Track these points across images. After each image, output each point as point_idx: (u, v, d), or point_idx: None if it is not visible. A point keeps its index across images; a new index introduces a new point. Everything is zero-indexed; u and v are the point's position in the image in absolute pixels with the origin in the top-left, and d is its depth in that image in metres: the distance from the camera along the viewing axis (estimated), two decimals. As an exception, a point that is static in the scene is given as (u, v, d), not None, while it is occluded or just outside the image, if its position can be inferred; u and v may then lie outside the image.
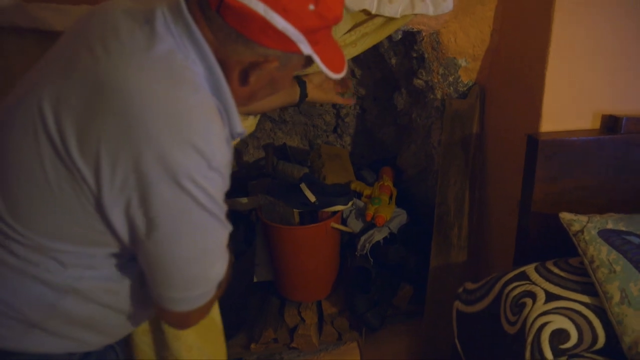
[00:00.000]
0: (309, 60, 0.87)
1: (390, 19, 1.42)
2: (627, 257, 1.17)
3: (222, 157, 0.78)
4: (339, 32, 1.39)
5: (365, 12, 1.39)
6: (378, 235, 1.96)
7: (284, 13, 0.76)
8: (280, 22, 0.77)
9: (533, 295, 1.20)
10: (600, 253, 1.19)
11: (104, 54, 0.76)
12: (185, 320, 0.90)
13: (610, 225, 1.24)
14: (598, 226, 1.24)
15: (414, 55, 1.77)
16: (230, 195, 1.80)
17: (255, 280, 2.10)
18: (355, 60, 2.14)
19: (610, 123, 1.42)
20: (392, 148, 2.47)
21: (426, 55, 1.71)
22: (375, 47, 1.85)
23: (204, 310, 0.90)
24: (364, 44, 1.45)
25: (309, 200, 1.87)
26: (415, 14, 1.45)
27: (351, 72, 2.25)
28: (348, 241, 2.11)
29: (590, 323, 1.14)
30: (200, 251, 0.82)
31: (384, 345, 1.91)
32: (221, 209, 0.82)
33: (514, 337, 1.20)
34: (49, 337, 0.87)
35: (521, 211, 1.49)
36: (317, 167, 2.30)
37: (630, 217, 1.28)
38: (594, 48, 1.38)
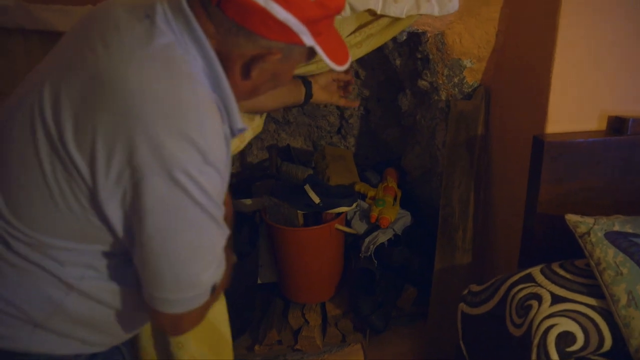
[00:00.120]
0: (312, 53, 0.85)
1: (395, 20, 1.42)
2: (634, 260, 1.16)
3: (219, 152, 0.77)
4: (343, 33, 1.39)
5: (371, 12, 1.38)
6: (382, 237, 1.96)
7: (285, 3, 0.75)
8: (281, 13, 0.76)
9: (539, 298, 1.19)
10: (607, 255, 1.18)
11: (104, 49, 0.76)
12: (177, 324, 0.86)
13: (617, 227, 1.23)
14: (605, 228, 1.23)
15: (419, 56, 1.76)
16: (234, 196, 1.80)
17: (259, 281, 2.09)
18: (360, 61, 2.14)
19: (617, 124, 1.41)
20: (396, 149, 2.47)
21: (431, 56, 1.70)
22: (380, 48, 1.85)
23: (198, 315, 0.87)
24: (369, 45, 1.45)
25: (313, 202, 1.87)
26: (421, 15, 1.44)
27: (355, 74, 2.25)
28: (352, 243, 2.11)
29: (596, 326, 1.14)
30: (193, 251, 0.80)
31: (388, 347, 1.90)
32: (218, 208, 0.80)
33: (519, 340, 1.19)
34: (53, 337, 0.86)
35: (526, 213, 1.48)
36: (321, 168, 2.30)
37: (637, 219, 1.27)
38: (600, 49, 1.37)
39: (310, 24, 0.79)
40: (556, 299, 1.18)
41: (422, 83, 1.83)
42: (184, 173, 0.72)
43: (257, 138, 2.52)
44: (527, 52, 1.50)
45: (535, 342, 1.13)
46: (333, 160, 2.31)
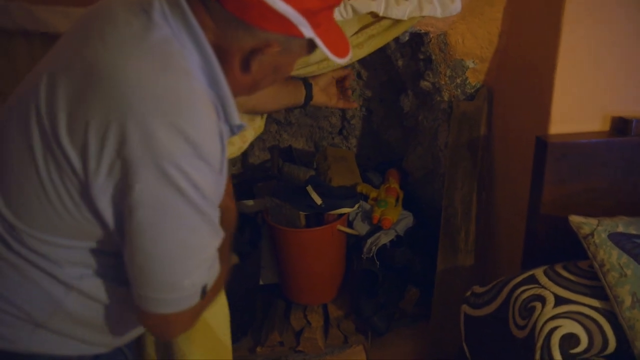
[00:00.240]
0: (312, 45, 0.84)
1: (397, 21, 1.42)
2: (638, 261, 1.16)
3: (212, 148, 0.76)
4: (347, 33, 1.38)
5: (373, 14, 1.38)
6: (384, 238, 1.95)
7: None
8: (279, 5, 0.75)
9: (542, 299, 1.19)
10: (611, 257, 1.18)
11: (101, 44, 0.75)
12: (165, 326, 0.83)
13: (620, 229, 1.22)
14: (608, 229, 1.22)
15: (421, 57, 1.76)
16: (236, 197, 1.81)
17: (261, 282, 2.09)
18: (362, 62, 2.14)
19: (620, 125, 1.41)
20: (398, 150, 2.46)
21: (433, 57, 1.70)
22: (382, 49, 1.85)
23: (188, 318, 0.84)
24: (370, 46, 1.45)
25: (315, 203, 1.87)
26: (423, 16, 1.44)
27: (357, 74, 2.25)
28: (354, 244, 2.10)
29: (600, 327, 1.13)
30: (182, 250, 0.77)
31: (390, 348, 1.90)
32: (211, 207, 0.78)
33: (523, 342, 1.19)
34: (54, 337, 0.86)
35: (529, 214, 1.48)
36: (323, 169, 2.30)
37: (641, 221, 1.26)
38: (603, 49, 1.36)
39: (309, 15, 0.78)
40: (560, 301, 1.17)
41: (425, 84, 1.83)
42: (175, 166, 0.71)
43: (258, 139, 2.51)
44: (530, 52, 1.50)
45: (539, 344, 1.12)
46: (335, 161, 2.30)
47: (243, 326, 1.97)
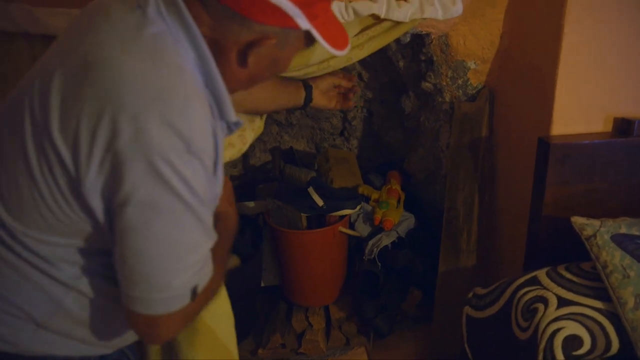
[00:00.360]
0: (309, 37, 0.84)
1: (399, 23, 1.41)
2: (641, 262, 1.16)
3: (204, 143, 0.75)
4: (348, 35, 1.38)
5: (374, 16, 1.38)
6: (386, 240, 1.95)
7: None
8: None
9: (545, 301, 1.19)
10: (614, 258, 1.17)
11: (95, 39, 0.76)
12: (153, 328, 0.80)
13: (623, 230, 1.22)
14: (611, 231, 1.22)
15: (423, 58, 1.76)
16: (238, 199, 1.80)
17: (262, 284, 2.09)
18: (363, 63, 2.14)
19: (623, 126, 1.40)
20: (400, 151, 2.46)
21: (435, 58, 1.70)
22: (383, 50, 1.84)
23: (177, 321, 0.81)
24: (371, 47, 1.45)
25: (317, 205, 1.87)
26: (424, 18, 1.44)
27: (358, 75, 2.25)
28: (356, 245, 2.10)
29: (603, 329, 1.13)
30: (171, 249, 0.75)
31: (392, 350, 1.90)
32: (203, 206, 0.76)
33: (525, 343, 1.18)
34: (57, 338, 0.86)
35: (532, 215, 1.47)
36: (324, 170, 2.29)
37: (644, 222, 1.26)
38: (606, 50, 1.36)
39: (305, 7, 0.78)
40: (562, 302, 1.17)
41: (426, 85, 1.83)
42: (165, 161, 0.70)
43: (259, 140, 2.51)
44: (532, 53, 1.50)
45: (542, 345, 1.12)
46: (336, 163, 2.30)
47: (244, 328, 1.96)
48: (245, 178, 2.56)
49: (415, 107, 2.09)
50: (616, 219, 1.26)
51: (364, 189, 2.14)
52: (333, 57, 1.40)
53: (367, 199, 2.12)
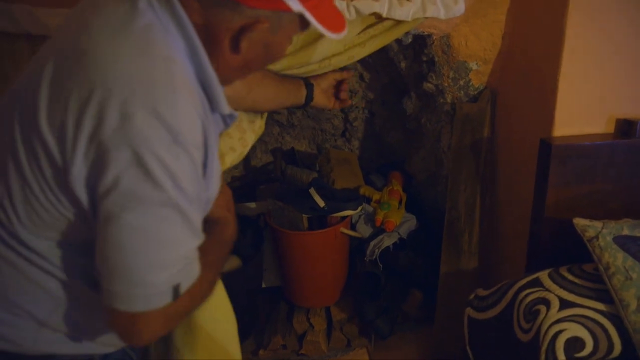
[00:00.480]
0: (303, 21, 0.82)
1: (400, 21, 1.41)
2: (643, 264, 1.15)
3: (191, 135, 0.73)
4: (350, 34, 1.38)
5: (376, 15, 1.38)
6: (387, 241, 1.95)
7: None
8: None
9: (547, 302, 1.18)
10: (616, 260, 1.17)
11: (85, 31, 0.76)
12: (133, 326, 0.76)
13: (626, 232, 1.22)
14: (613, 232, 1.22)
15: (424, 59, 1.76)
16: (238, 199, 1.79)
17: (263, 285, 2.09)
18: (365, 64, 2.13)
19: (625, 127, 1.40)
20: (401, 152, 2.46)
21: (436, 59, 1.70)
22: (385, 51, 1.84)
23: (158, 320, 0.77)
24: (372, 45, 1.44)
25: (318, 205, 1.86)
26: (426, 17, 1.43)
27: (360, 76, 2.24)
28: (357, 246, 2.10)
29: (606, 331, 1.12)
30: (150, 243, 0.73)
31: (393, 351, 1.89)
32: (189, 202, 0.74)
33: (527, 345, 1.18)
34: (59, 336, 0.86)
35: (533, 216, 1.47)
36: (325, 171, 2.29)
37: (646, 223, 1.26)
38: (608, 51, 1.36)
39: None
40: (564, 304, 1.16)
41: (428, 86, 1.82)
42: (149, 151, 0.69)
43: (261, 141, 2.51)
44: (534, 54, 1.49)
45: (544, 347, 1.12)
46: (338, 164, 2.30)
47: (245, 329, 1.96)
48: (246, 179, 2.56)
49: (416, 108, 2.09)
50: (618, 221, 1.26)
51: (365, 190, 2.14)
52: (334, 55, 1.40)
53: (368, 200, 2.12)
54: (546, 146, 1.37)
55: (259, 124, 1.42)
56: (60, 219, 0.78)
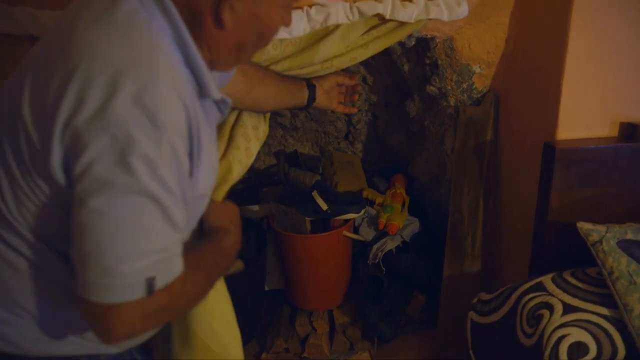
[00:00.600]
0: None
1: (404, 23, 1.41)
2: (647, 269, 1.14)
3: (173, 121, 0.71)
4: (352, 35, 1.38)
5: (379, 16, 1.38)
6: (390, 244, 1.94)
7: None
8: None
9: (550, 307, 1.18)
10: (620, 264, 1.16)
11: (71, 22, 0.77)
12: (105, 319, 0.73)
13: (630, 236, 1.21)
14: (617, 236, 1.21)
15: (427, 61, 1.75)
16: (241, 202, 1.80)
17: (266, 288, 2.08)
18: (368, 66, 2.13)
19: (629, 131, 1.39)
20: (404, 155, 2.45)
21: (439, 62, 1.69)
22: (388, 54, 1.84)
23: (131, 315, 0.73)
24: (374, 47, 1.45)
25: (321, 208, 1.86)
26: (429, 19, 1.43)
27: (363, 79, 2.24)
28: (360, 250, 2.09)
29: (609, 336, 1.12)
30: (121, 232, 0.70)
31: (396, 355, 1.89)
32: (165, 190, 0.72)
33: (530, 350, 1.17)
34: (60, 337, 0.86)
35: (537, 220, 1.46)
36: (329, 174, 2.29)
37: (651, 228, 1.25)
38: (612, 54, 1.35)
39: None
40: (568, 309, 1.16)
41: (431, 89, 1.82)
42: (127, 136, 0.68)
43: (264, 144, 2.50)
44: (537, 57, 1.49)
45: (547, 352, 1.11)
46: (341, 166, 2.30)
47: (248, 332, 1.96)
48: (249, 181, 2.56)
49: (420, 111, 2.08)
50: (622, 225, 1.25)
51: (368, 193, 2.14)
52: (336, 56, 1.40)
53: (371, 203, 2.12)
54: (550, 150, 1.37)
55: (263, 129, 1.42)
56: (45, 211, 0.77)
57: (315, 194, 1.88)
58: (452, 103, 1.79)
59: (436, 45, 1.65)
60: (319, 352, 1.88)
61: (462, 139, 1.77)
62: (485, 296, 1.40)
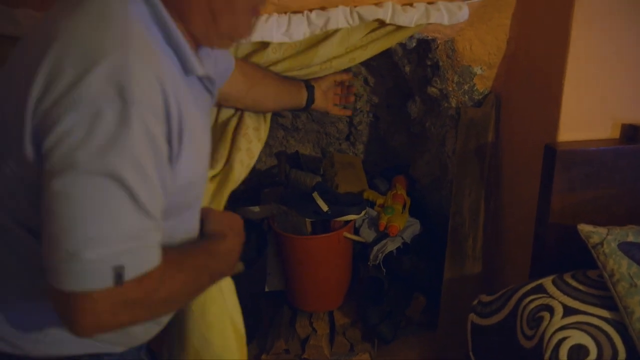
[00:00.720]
0: None
1: (403, 26, 1.41)
2: (648, 271, 1.14)
3: (147, 101, 0.70)
4: (352, 38, 1.38)
5: (379, 20, 1.38)
6: (391, 245, 1.94)
7: None
8: None
9: (551, 309, 1.17)
10: (621, 266, 1.16)
11: (51, 14, 0.78)
12: (70, 309, 0.69)
13: (631, 238, 1.21)
14: (618, 239, 1.21)
15: (429, 63, 1.75)
16: (242, 203, 1.79)
17: (266, 289, 2.08)
18: (369, 68, 2.13)
19: (630, 132, 1.39)
20: (405, 156, 2.45)
21: (441, 63, 1.69)
22: (389, 55, 1.84)
23: (100, 306, 0.69)
24: (374, 48, 1.45)
25: (322, 210, 1.86)
26: (430, 23, 1.43)
27: (364, 80, 2.24)
28: (360, 251, 2.09)
29: (610, 339, 1.11)
30: (82, 213, 0.67)
31: (396, 356, 1.89)
32: (135, 172, 0.69)
33: (531, 352, 1.17)
34: (60, 337, 0.85)
35: (538, 222, 1.46)
36: (329, 175, 2.29)
37: (652, 230, 1.25)
38: (613, 55, 1.35)
39: None
40: (568, 311, 1.16)
41: (432, 90, 1.82)
42: (96, 115, 0.66)
43: (265, 145, 2.49)
44: (538, 59, 1.49)
45: (547, 355, 1.11)
46: (342, 168, 2.30)
47: (248, 333, 1.95)
48: (250, 182, 2.55)
49: (421, 112, 2.08)
50: (623, 227, 1.25)
51: (369, 194, 2.14)
52: (335, 57, 1.41)
53: (372, 204, 2.11)
54: (551, 151, 1.37)
55: (264, 130, 1.42)
56: (29, 196, 0.76)
57: (315, 195, 1.88)
58: (453, 104, 1.78)
59: (437, 47, 1.65)
60: (319, 353, 1.88)
61: (463, 140, 1.76)
62: (485, 298, 1.40)
